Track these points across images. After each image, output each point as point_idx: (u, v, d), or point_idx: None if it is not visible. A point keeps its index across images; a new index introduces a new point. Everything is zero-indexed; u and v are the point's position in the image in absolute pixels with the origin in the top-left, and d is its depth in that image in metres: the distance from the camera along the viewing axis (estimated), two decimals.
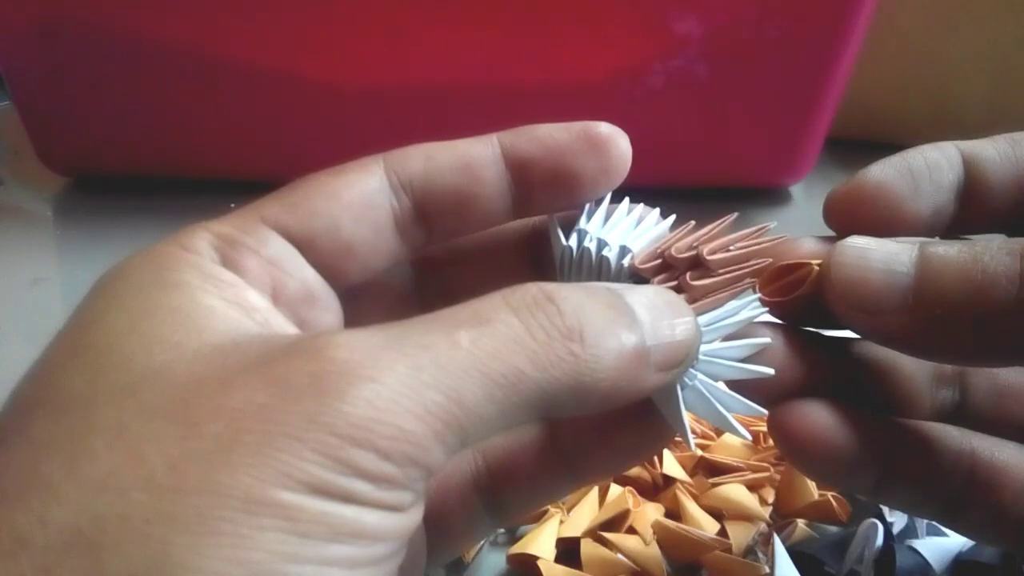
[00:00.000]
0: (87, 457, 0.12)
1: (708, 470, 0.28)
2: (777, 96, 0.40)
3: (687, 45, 0.38)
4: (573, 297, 0.14)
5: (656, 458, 0.27)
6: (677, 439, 0.27)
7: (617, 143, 0.18)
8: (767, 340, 0.17)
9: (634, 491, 0.27)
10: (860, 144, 0.50)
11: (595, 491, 0.27)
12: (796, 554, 0.25)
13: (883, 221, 0.18)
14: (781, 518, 0.27)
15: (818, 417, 0.18)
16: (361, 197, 0.17)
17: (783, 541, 0.25)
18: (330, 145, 0.41)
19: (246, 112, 0.41)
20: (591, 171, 0.18)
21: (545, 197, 0.19)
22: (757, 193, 0.46)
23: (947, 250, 0.16)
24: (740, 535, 0.26)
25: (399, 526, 0.13)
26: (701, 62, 0.38)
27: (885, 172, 0.18)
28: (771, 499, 0.27)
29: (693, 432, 0.18)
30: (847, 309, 0.17)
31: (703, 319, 0.17)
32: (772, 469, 0.28)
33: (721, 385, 0.17)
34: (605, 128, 0.18)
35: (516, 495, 0.19)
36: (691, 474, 0.28)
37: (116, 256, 0.16)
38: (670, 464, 0.27)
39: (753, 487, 0.27)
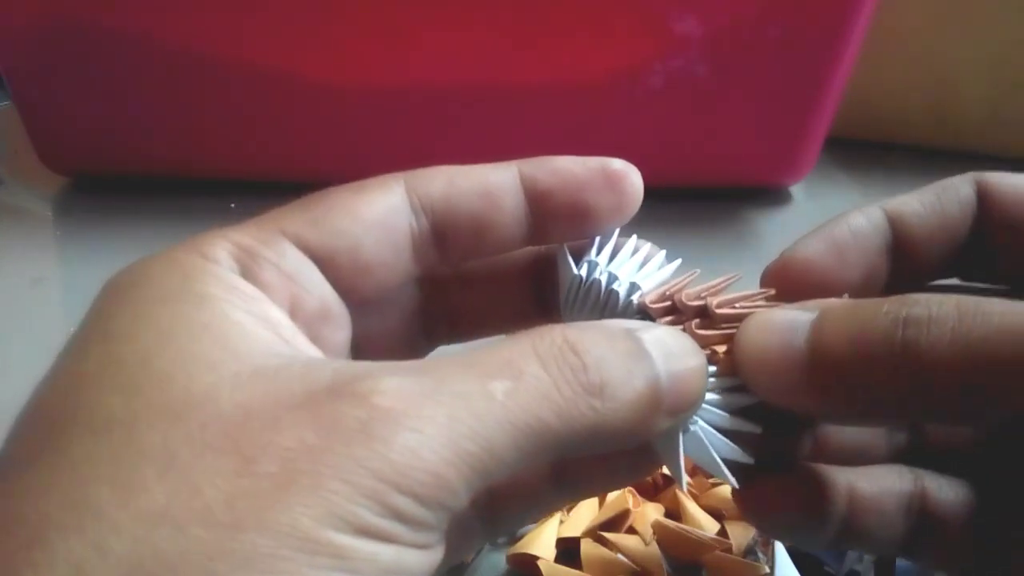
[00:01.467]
0: (138, 485, 0.12)
1: None
2: (777, 96, 0.40)
3: (687, 45, 0.38)
4: (596, 350, 0.15)
5: None
6: None
7: (631, 180, 0.19)
8: (756, 399, 0.18)
9: (634, 491, 0.27)
10: (860, 144, 0.50)
11: None
12: (796, 554, 0.25)
13: (814, 295, 0.18)
14: None
15: (775, 491, 0.19)
16: (382, 217, 0.17)
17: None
18: (331, 145, 0.42)
19: (246, 112, 0.41)
20: (606, 206, 0.19)
21: (559, 228, 0.19)
22: (757, 193, 0.46)
23: (837, 318, 0.16)
24: (740, 535, 0.26)
25: (429, 563, 0.13)
26: (701, 62, 0.38)
27: (810, 247, 0.19)
28: None
29: None
30: (759, 391, 0.17)
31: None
32: None
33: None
34: (620, 164, 0.19)
35: (511, 510, 0.20)
36: (691, 474, 0.28)
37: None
38: None
39: None
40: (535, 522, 0.26)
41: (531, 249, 0.21)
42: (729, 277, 0.19)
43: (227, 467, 0.12)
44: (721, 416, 0.18)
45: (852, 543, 0.20)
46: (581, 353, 0.15)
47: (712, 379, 0.18)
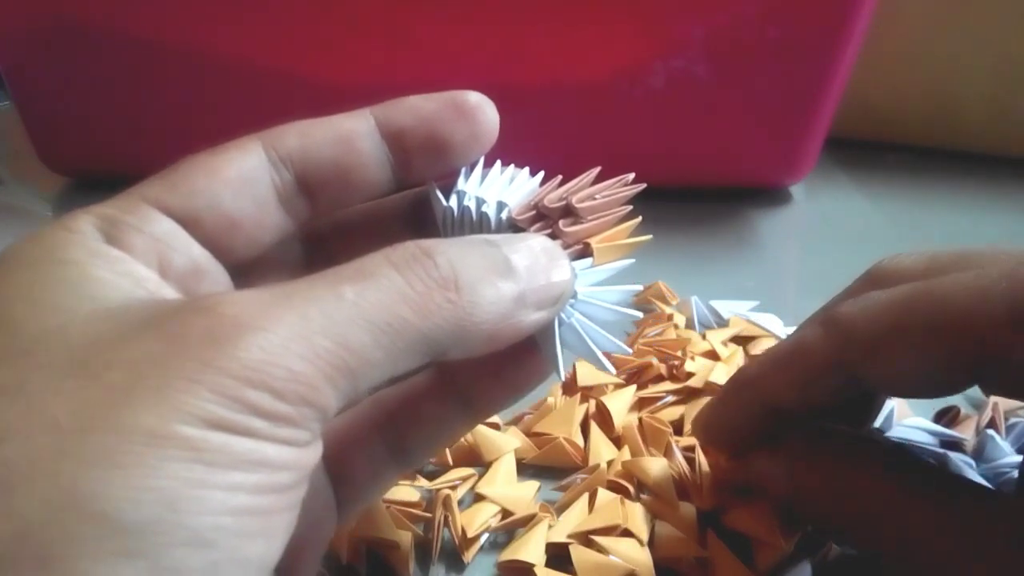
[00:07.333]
0: None
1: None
2: (777, 96, 0.40)
3: (688, 45, 0.38)
4: (449, 251, 0.16)
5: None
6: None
7: (484, 110, 0.19)
8: (639, 287, 0.20)
9: (624, 499, 0.26)
10: (860, 144, 0.50)
11: (585, 496, 0.26)
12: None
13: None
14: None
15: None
16: (241, 173, 0.18)
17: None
18: None
19: (246, 112, 0.41)
20: (461, 136, 0.19)
21: (421, 164, 0.19)
22: (757, 193, 0.46)
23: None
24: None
25: (298, 458, 0.14)
26: (702, 62, 0.38)
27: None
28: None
29: None
30: None
31: (579, 264, 0.19)
32: None
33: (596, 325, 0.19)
34: (474, 97, 0.19)
35: (417, 437, 0.21)
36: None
37: None
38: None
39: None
40: (443, 448, 0.26)
41: (405, 195, 0.21)
42: (587, 173, 0.20)
43: (72, 384, 0.12)
44: (602, 308, 0.19)
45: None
46: (434, 255, 0.15)
47: (588, 270, 0.19)
